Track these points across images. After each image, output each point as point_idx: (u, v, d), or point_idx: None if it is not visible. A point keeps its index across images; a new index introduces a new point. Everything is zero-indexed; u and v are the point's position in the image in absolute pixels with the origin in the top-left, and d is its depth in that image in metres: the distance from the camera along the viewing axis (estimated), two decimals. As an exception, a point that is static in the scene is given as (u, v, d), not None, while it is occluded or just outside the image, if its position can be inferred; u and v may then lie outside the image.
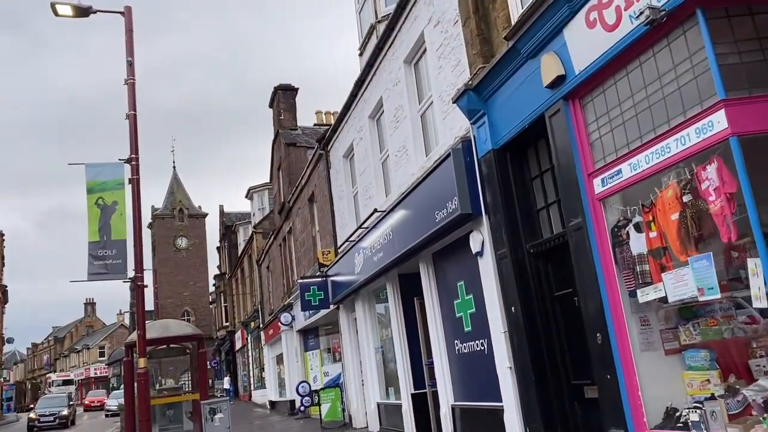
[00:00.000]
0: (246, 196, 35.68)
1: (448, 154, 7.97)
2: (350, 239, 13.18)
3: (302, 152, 22.22)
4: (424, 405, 10.76)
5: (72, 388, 54.15)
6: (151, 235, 71.96)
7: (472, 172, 7.76)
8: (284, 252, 24.12)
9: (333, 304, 15.27)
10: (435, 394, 10.51)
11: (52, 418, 30.81)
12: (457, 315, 8.97)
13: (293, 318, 21.90)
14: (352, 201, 14.64)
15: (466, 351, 8.82)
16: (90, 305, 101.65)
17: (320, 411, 15.60)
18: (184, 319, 70.00)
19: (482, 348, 8.31)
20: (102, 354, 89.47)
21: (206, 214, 72.40)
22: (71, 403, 34.93)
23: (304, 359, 21.39)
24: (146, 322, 13.05)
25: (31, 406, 52.38)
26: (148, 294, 49.15)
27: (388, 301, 12.07)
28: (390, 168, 11.92)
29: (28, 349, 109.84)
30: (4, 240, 58.83)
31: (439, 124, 9.30)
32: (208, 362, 57.92)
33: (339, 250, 15.00)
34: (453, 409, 9.34)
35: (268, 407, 28.40)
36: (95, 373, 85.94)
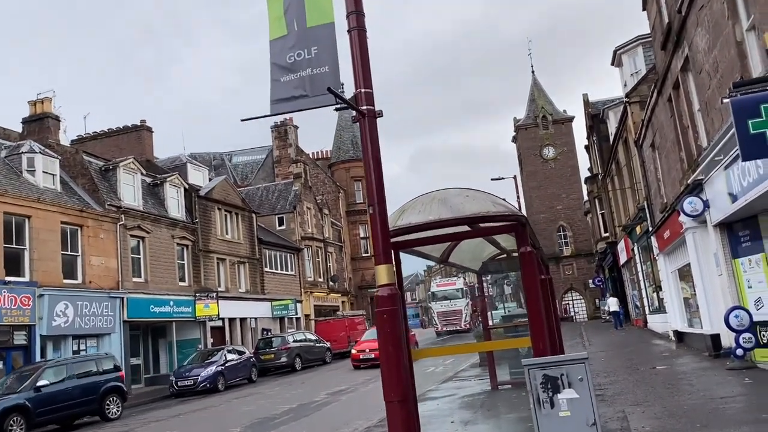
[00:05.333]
0: (612, 63, 26.90)
1: None
2: None
3: None
4: None
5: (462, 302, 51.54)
6: (516, 148, 67.52)
7: None
8: (677, 107, 15.31)
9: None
10: None
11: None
12: None
13: (705, 204, 13.27)
14: None
15: None
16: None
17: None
18: (559, 235, 64.27)
19: None
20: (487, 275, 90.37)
21: (572, 118, 64.37)
22: None
23: (734, 271, 12.71)
24: (416, 197, 6.74)
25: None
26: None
27: None
28: None
29: (424, 271, 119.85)
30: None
31: None
32: (586, 278, 51.06)
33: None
34: None
35: (673, 340, 20.20)
36: (487, 293, 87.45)
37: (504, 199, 6.46)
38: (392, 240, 6.56)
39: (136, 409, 20.51)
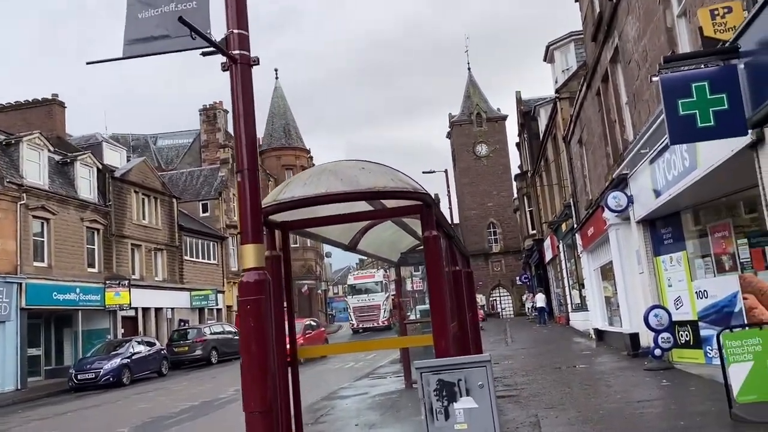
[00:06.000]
0: (545, 59, 26.75)
1: None
2: None
3: None
4: None
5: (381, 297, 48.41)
6: (450, 144, 67.62)
7: None
8: (606, 100, 15.00)
9: (753, 123, 6.09)
10: None
11: None
12: None
13: (630, 200, 12.93)
14: None
15: None
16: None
17: (726, 376, 6.74)
18: (489, 232, 64.69)
19: None
20: (417, 269, 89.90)
21: (506, 116, 64.99)
22: None
23: (655, 270, 12.42)
24: (306, 170, 5.80)
25: None
26: (448, 208, 43.37)
27: None
28: None
29: (356, 264, 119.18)
30: (312, 158, 60.11)
31: None
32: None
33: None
34: None
35: (593, 338, 20.12)
36: (413, 287, 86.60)
37: (410, 177, 5.62)
38: (276, 219, 5.64)
39: (26, 405, 18.75)
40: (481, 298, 60.46)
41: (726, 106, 6.02)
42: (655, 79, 6.33)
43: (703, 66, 6.19)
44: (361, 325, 43.84)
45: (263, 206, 5.09)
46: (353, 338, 40.87)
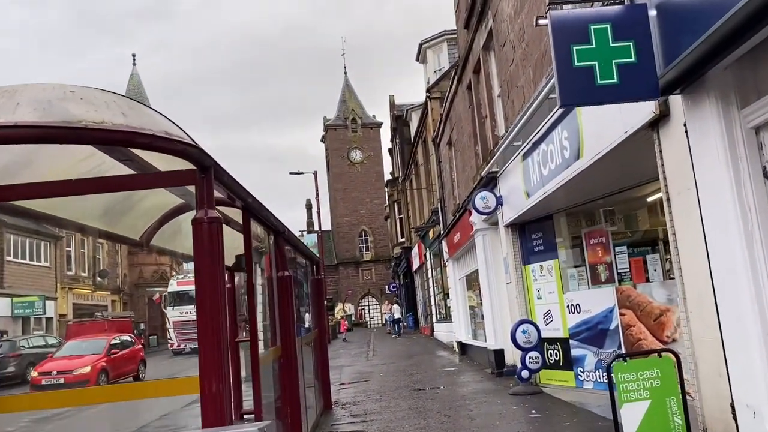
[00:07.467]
0: (417, 59, 25.55)
1: None
2: None
3: None
4: None
5: None
6: (325, 149, 65.80)
7: None
8: (476, 94, 13.66)
9: (665, 87, 4.55)
10: None
11: None
12: None
13: (499, 201, 11.55)
14: None
15: None
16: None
17: (617, 418, 5.17)
18: (360, 239, 63.42)
19: None
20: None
21: (381, 123, 64.26)
22: None
23: (524, 279, 11.07)
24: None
25: None
26: (323, 212, 40.59)
27: None
28: None
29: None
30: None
31: None
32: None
33: None
34: None
35: (457, 352, 18.86)
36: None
37: (177, 125, 3.48)
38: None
39: None
40: (349, 307, 58.97)
41: (633, 59, 4.46)
42: (542, 21, 4.68)
43: (604, 4, 4.63)
44: (184, 345, 32.31)
45: None
46: (174, 361, 30.04)
